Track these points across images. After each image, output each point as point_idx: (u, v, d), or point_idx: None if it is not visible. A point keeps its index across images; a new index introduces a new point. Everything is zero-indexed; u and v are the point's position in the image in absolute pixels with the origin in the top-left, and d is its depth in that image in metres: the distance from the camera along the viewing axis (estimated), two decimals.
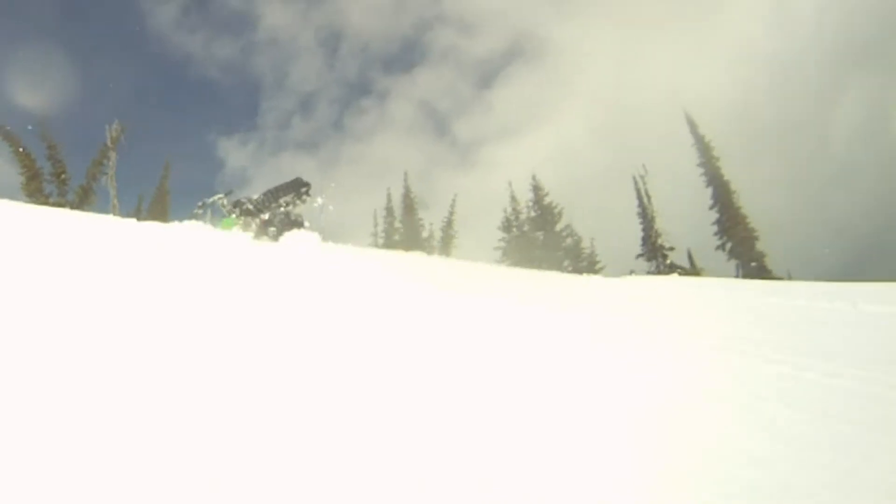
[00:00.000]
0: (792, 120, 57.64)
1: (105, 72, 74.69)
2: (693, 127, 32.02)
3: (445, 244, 30.09)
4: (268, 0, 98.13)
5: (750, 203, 31.11)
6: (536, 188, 30.80)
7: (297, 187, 13.14)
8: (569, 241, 29.08)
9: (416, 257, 14.35)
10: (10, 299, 3.45)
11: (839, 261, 38.69)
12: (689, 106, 36.25)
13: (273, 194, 12.84)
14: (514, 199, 31.32)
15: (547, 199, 30.29)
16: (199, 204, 12.78)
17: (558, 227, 29.56)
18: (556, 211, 29.96)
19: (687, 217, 34.03)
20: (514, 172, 55.76)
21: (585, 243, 29.63)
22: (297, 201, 13.00)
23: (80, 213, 12.13)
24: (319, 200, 13.44)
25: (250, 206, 12.69)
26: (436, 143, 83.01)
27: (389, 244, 30.76)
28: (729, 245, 29.82)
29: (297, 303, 5.21)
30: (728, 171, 31.22)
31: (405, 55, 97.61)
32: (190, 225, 11.06)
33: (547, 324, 6.08)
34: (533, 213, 30.61)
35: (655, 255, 31.57)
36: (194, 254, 6.90)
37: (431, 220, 33.62)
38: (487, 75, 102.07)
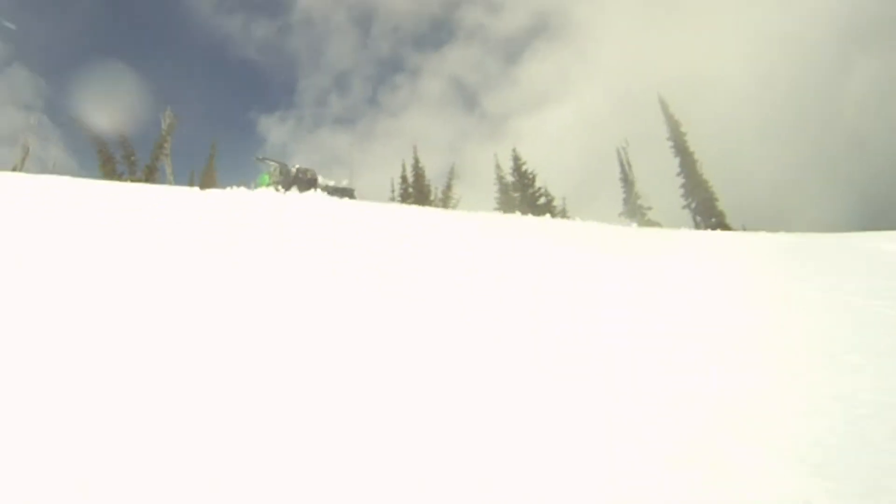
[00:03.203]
0: (805, 93, 59.05)
1: (152, 55, 78.77)
2: (664, 106, 36.99)
3: (445, 204, 35.63)
4: None
5: (766, 166, 35.88)
6: (516, 158, 37.06)
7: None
8: (542, 200, 34.68)
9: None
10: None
11: (851, 219, 41.13)
12: (702, 79, 40.92)
13: (322, 186, 16.65)
14: (498, 167, 37.99)
15: (524, 167, 36.36)
16: (260, 157, 17.79)
17: (531, 189, 35.30)
18: (530, 176, 35.75)
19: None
20: (537, 142, 60.24)
21: (557, 202, 35.41)
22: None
23: (158, 186, 17.48)
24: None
25: (288, 175, 17.25)
26: (466, 116, 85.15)
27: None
28: (693, 205, 34.69)
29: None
30: (707, 144, 36.27)
31: (435, 34, 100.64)
32: (231, 190, 15.83)
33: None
34: (512, 178, 36.48)
35: (635, 214, 36.44)
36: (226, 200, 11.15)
37: (437, 185, 39.40)
38: (514, 51, 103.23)
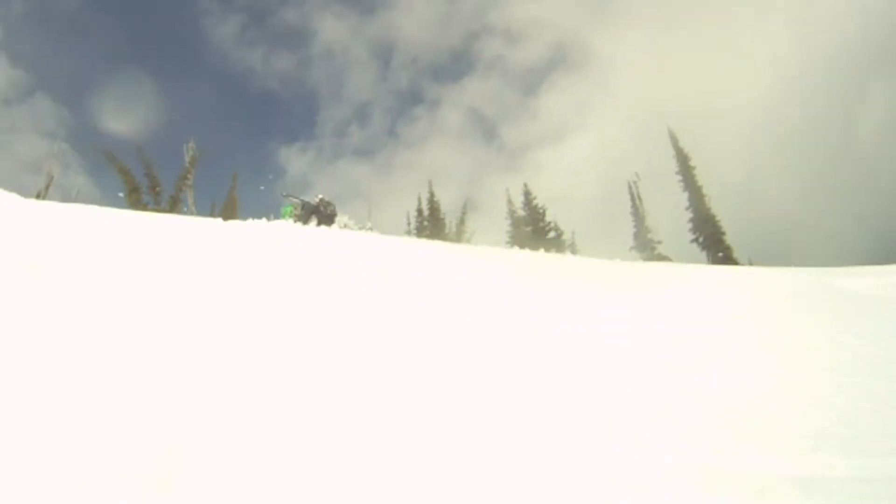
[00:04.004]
0: (817, 121, 58.79)
1: (173, 86, 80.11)
2: (674, 140, 37.78)
3: (458, 237, 36.58)
4: (322, 16, 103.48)
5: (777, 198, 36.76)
6: (527, 193, 38.42)
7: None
8: (551, 234, 35.67)
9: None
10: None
11: (864, 253, 40.67)
12: (716, 109, 41.92)
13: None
14: (510, 201, 39.06)
15: (534, 202, 37.69)
16: (285, 194, 18.84)
17: (541, 223, 36.36)
18: (540, 210, 36.93)
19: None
20: (555, 174, 61.14)
21: (567, 236, 36.51)
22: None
23: (187, 217, 18.44)
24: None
25: (311, 207, 18.22)
26: (485, 148, 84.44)
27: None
28: (701, 239, 35.46)
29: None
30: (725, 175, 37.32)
31: (454, 65, 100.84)
32: (253, 221, 16.59)
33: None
34: (523, 213, 37.55)
35: (645, 248, 37.23)
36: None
37: (453, 218, 40.42)
38: (533, 83, 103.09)
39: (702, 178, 36.56)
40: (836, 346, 5.88)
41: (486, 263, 9.90)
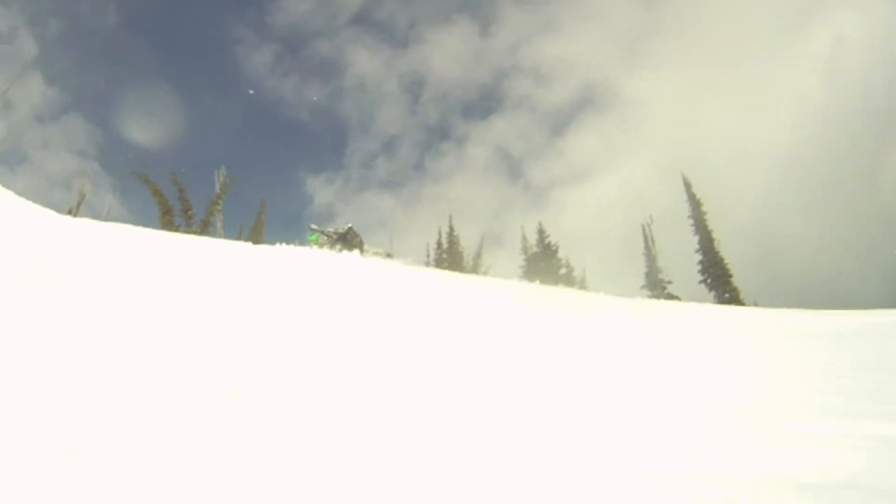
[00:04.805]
0: (839, 167, 59.29)
1: (206, 111, 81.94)
2: (687, 186, 39.15)
3: (474, 270, 37.95)
4: (355, 49, 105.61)
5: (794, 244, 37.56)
6: (541, 231, 40.13)
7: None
8: (563, 270, 37.05)
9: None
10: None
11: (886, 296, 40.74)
12: (741, 152, 42.66)
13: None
14: (524, 238, 40.69)
15: (547, 240, 39.08)
16: (313, 226, 20.24)
17: (553, 260, 37.77)
18: (553, 247, 38.37)
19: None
20: (580, 213, 61.94)
21: (577, 272, 37.90)
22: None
23: (221, 240, 19.83)
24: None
25: (335, 236, 19.51)
26: (510, 185, 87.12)
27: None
28: (709, 280, 36.60)
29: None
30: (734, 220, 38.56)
31: (483, 103, 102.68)
32: (281, 246, 17.73)
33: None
34: (537, 249, 38.99)
35: (656, 287, 38.36)
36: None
37: (472, 252, 41.86)
38: (560, 123, 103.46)
39: (714, 221, 37.85)
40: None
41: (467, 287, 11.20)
